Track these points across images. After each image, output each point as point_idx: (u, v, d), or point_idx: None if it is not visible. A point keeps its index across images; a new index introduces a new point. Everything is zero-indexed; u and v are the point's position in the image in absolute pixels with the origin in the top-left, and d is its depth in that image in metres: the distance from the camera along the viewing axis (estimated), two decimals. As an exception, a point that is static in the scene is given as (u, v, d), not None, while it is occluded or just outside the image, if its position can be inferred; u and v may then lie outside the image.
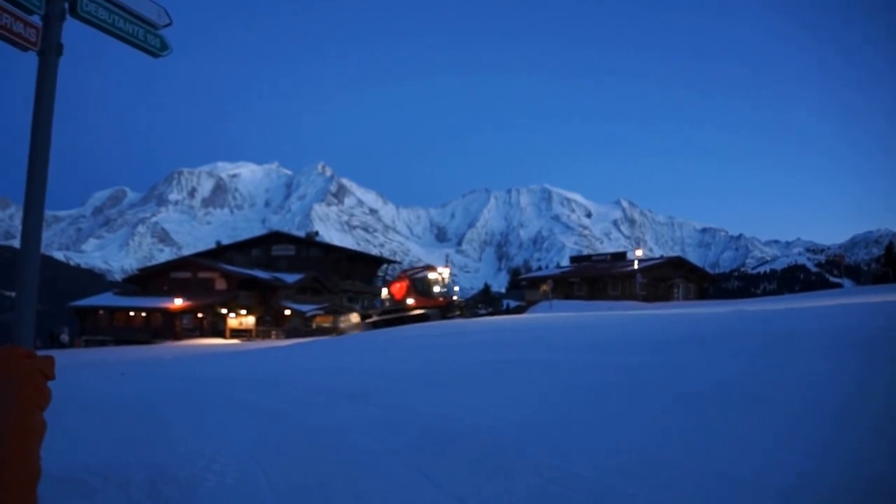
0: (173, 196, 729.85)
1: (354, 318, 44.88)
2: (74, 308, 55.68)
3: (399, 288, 40.55)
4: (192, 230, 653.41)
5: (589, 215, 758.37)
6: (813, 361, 6.75)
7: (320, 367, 12.64)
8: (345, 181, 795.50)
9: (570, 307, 41.84)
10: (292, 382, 9.91)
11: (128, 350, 35.43)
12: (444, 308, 37.69)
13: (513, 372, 8.60)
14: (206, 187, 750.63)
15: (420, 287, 39.87)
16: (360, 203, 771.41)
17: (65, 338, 47.79)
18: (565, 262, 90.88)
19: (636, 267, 55.81)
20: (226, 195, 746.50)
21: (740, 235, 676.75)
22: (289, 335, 49.54)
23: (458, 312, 38.11)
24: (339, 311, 60.26)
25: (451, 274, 43.35)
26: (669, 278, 59.63)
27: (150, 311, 53.16)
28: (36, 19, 3.31)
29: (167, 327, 51.91)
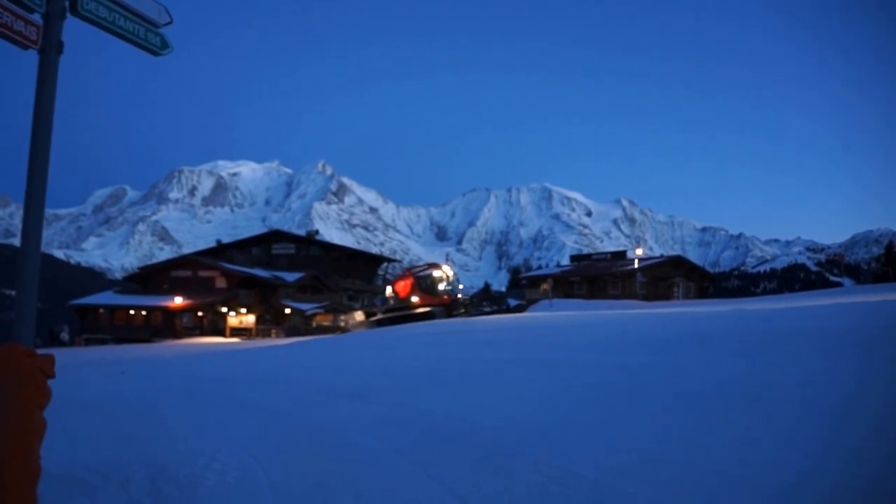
0: (174, 194, 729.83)
1: (359, 316, 44.79)
2: (75, 306, 55.68)
3: (403, 286, 40.45)
4: (192, 228, 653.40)
5: (589, 214, 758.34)
6: (813, 361, 6.75)
7: (321, 365, 12.65)
8: (345, 180, 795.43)
9: (570, 306, 41.85)
10: (293, 381, 9.92)
11: (128, 348, 35.45)
12: (449, 306, 37.60)
13: (514, 371, 8.60)
14: (206, 186, 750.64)
15: (425, 285, 39.77)
16: (361, 202, 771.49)
17: (65, 336, 47.82)
18: (565, 261, 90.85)
19: (636, 266, 55.83)
20: (226, 194, 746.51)
21: (740, 234, 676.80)
22: (289, 334, 49.54)
23: (463, 310, 38.03)
24: (339, 309, 60.26)
25: (454, 272, 43.27)
26: (669, 277, 59.64)
27: (150, 309, 53.17)
28: (37, 17, 3.31)
29: (167, 326, 51.92)
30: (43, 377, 1.29)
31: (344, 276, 69.16)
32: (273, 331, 52.60)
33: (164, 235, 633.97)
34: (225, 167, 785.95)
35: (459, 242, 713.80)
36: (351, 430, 5.77)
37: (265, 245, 71.82)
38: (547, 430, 5.21)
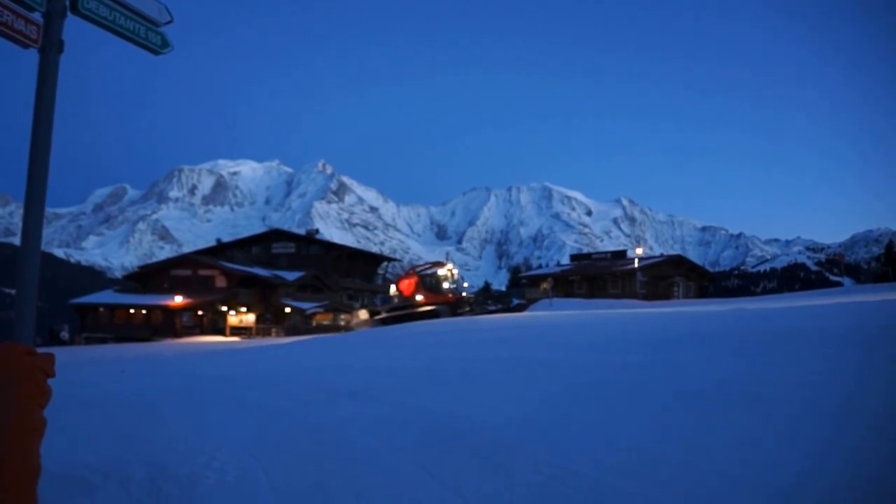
0: (174, 193, 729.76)
1: (363, 314, 44.69)
2: (75, 305, 55.68)
3: (408, 284, 40.39)
4: (192, 227, 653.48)
5: (589, 213, 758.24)
6: (813, 360, 6.75)
7: (321, 364, 12.65)
8: (345, 179, 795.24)
9: (570, 305, 41.84)
10: (293, 380, 9.92)
11: (128, 347, 35.45)
12: (453, 304, 37.56)
13: (514, 370, 8.61)
14: (206, 185, 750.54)
15: (429, 283, 39.72)
16: (361, 201, 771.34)
17: (65, 335, 47.81)
18: (565, 261, 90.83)
19: (636, 265, 55.81)
20: (226, 193, 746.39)
21: (740, 234, 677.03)
22: (289, 333, 49.53)
23: (468, 309, 37.97)
24: (339, 308, 60.26)
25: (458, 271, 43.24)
26: (669, 277, 59.63)
27: (150, 308, 53.17)
28: (37, 16, 3.31)
29: (167, 325, 51.92)
30: (43, 376, 1.29)
31: (344, 275, 69.16)
32: (273, 330, 52.60)
33: (164, 234, 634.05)
34: (225, 166, 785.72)
35: (459, 242, 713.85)
36: (351, 430, 5.77)
37: (265, 244, 71.81)
38: (547, 429, 5.21)
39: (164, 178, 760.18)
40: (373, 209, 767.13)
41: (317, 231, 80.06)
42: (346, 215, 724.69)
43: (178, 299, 51.24)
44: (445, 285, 39.92)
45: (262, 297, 57.31)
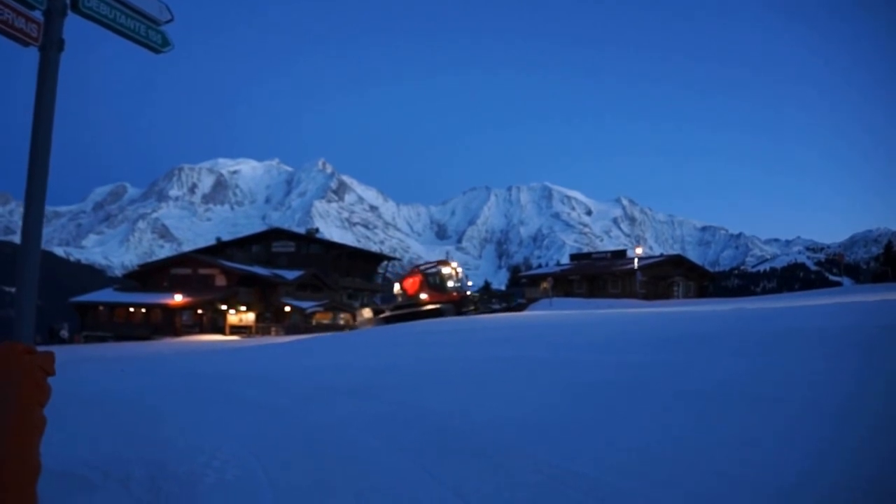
0: (174, 192, 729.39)
1: (367, 313, 44.61)
2: (74, 304, 55.67)
3: (412, 283, 40.30)
4: (192, 226, 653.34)
5: (589, 213, 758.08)
6: (813, 360, 6.75)
7: (322, 363, 12.65)
8: (345, 178, 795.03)
9: (570, 305, 41.83)
10: (292, 379, 9.92)
11: (128, 346, 35.46)
12: (458, 303, 37.48)
13: (515, 369, 8.61)
14: (206, 183, 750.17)
15: (433, 282, 39.61)
16: (361, 200, 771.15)
17: (65, 334, 47.83)
18: (565, 260, 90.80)
19: (636, 265, 55.79)
20: (226, 191, 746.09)
21: (740, 234, 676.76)
22: (288, 332, 49.53)
23: (472, 308, 37.89)
24: (338, 307, 60.26)
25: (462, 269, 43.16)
26: (669, 276, 59.61)
27: (150, 307, 53.16)
28: (37, 15, 3.31)
29: (167, 323, 51.91)
30: (43, 374, 1.29)
31: (344, 274, 69.14)
32: (273, 329, 52.60)
33: (164, 233, 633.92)
34: (225, 165, 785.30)
35: (459, 241, 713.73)
36: (351, 428, 5.77)
37: (265, 243, 71.79)
38: (547, 429, 5.21)
39: (164, 176, 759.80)
40: (373, 208, 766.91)
41: (317, 230, 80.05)
42: (346, 214, 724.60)
43: (178, 298, 51.24)
44: (450, 284, 39.83)
45: (262, 295, 57.31)
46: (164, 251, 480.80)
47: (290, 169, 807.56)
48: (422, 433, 5.39)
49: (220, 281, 56.30)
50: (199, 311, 53.46)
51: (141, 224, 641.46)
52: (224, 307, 54.27)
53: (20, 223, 3.23)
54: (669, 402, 5.68)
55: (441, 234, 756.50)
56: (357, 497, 3.94)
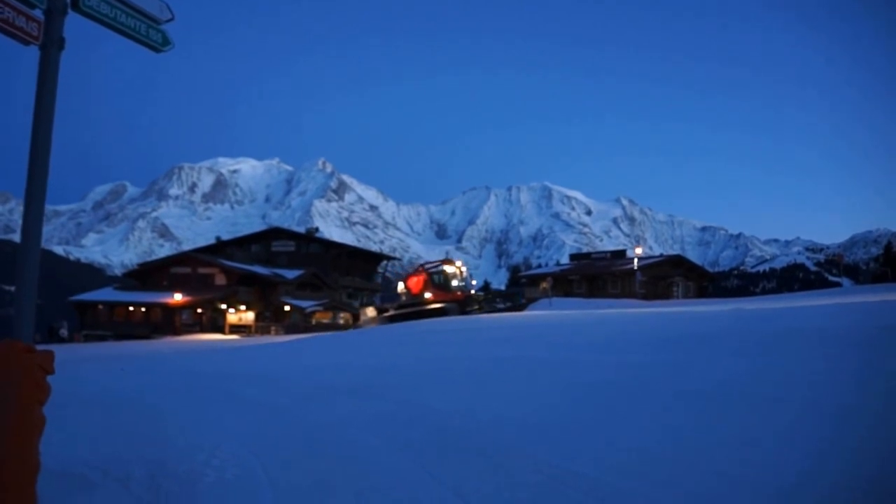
0: (173, 191, 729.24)
1: (371, 312, 44.52)
2: (74, 303, 55.66)
3: (416, 282, 40.20)
4: (192, 225, 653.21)
5: (589, 213, 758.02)
6: (813, 360, 6.75)
7: (322, 363, 12.65)
8: (345, 177, 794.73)
9: (569, 305, 41.81)
10: (292, 378, 9.92)
11: (127, 345, 35.45)
12: (462, 302, 37.40)
13: (515, 369, 8.61)
14: (206, 182, 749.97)
15: (437, 281, 39.49)
16: (361, 199, 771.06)
17: (64, 332, 47.80)
18: (565, 260, 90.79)
19: (636, 265, 55.79)
20: (226, 191, 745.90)
21: (740, 234, 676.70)
22: (288, 331, 49.53)
23: (476, 307, 37.81)
24: (338, 307, 60.26)
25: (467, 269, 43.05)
26: (669, 276, 59.62)
27: (149, 306, 53.16)
28: (38, 13, 3.31)
29: (167, 322, 51.90)
30: (42, 373, 1.29)
31: (344, 273, 69.15)
32: (272, 328, 52.61)
33: (163, 232, 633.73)
34: (225, 164, 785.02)
35: (459, 241, 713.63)
36: (351, 427, 5.77)
37: (265, 242, 71.78)
38: (547, 429, 5.21)
39: (164, 175, 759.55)
40: (373, 208, 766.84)
41: (316, 229, 80.00)
42: (345, 214, 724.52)
43: (178, 297, 51.24)
44: (454, 283, 39.71)
45: (262, 295, 57.32)
46: (164, 250, 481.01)
47: (290, 168, 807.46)
48: (422, 433, 5.39)
49: (220, 280, 56.30)
50: (199, 311, 53.47)
51: (141, 223, 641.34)
52: (224, 306, 54.28)
53: (20, 222, 3.23)
54: (669, 402, 5.68)
55: (441, 233, 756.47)
56: (357, 496, 3.94)
